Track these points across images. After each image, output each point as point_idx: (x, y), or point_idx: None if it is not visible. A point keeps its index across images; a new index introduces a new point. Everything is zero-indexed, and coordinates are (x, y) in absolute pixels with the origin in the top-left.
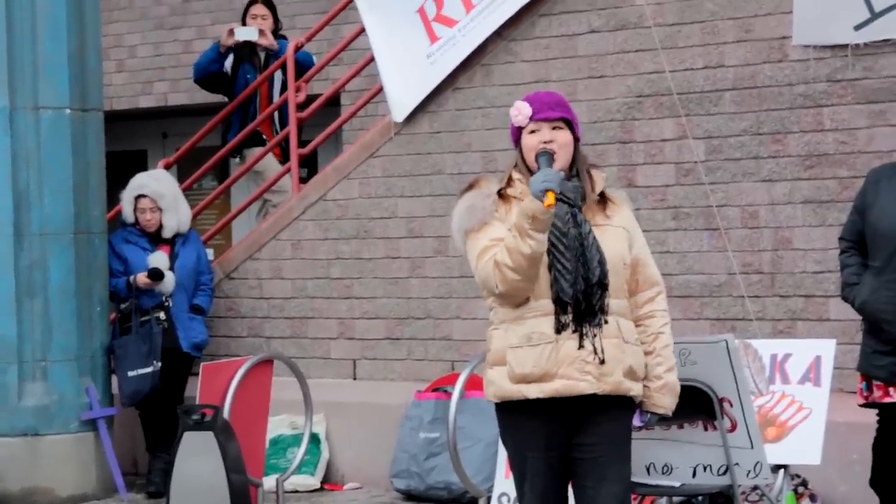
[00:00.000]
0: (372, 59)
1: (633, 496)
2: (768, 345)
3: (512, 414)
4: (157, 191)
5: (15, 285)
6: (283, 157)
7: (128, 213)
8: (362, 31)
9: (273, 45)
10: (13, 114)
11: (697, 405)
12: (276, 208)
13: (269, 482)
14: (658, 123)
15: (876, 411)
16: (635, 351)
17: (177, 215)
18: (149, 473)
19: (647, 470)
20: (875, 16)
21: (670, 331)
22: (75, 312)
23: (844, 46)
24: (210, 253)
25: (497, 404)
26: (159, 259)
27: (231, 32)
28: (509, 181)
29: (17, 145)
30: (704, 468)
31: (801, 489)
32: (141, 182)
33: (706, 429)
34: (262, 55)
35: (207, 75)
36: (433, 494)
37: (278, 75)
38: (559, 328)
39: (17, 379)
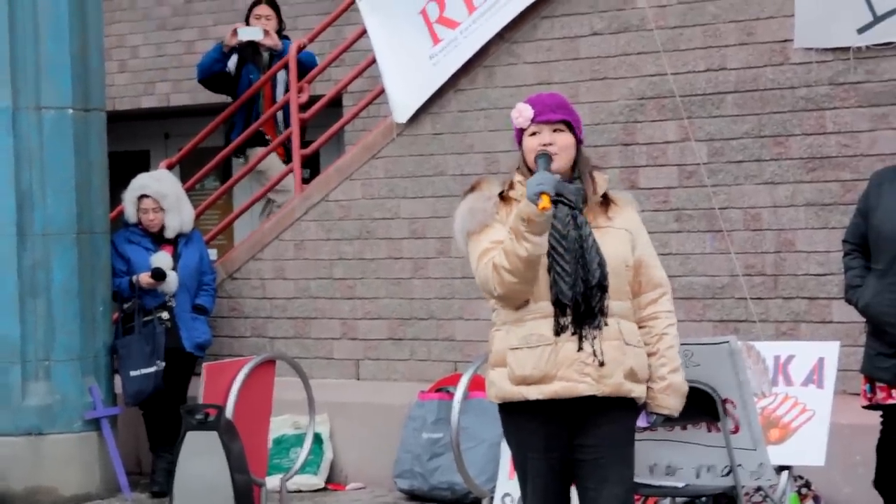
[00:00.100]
0: (374, 61)
1: (636, 497)
2: (771, 347)
3: (513, 415)
4: (160, 191)
5: (18, 285)
6: (287, 157)
7: (130, 214)
8: (364, 32)
9: (277, 45)
10: (16, 114)
11: (700, 406)
12: (279, 208)
13: (272, 482)
14: (660, 126)
15: (879, 413)
16: (637, 353)
17: (179, 215)
18: (152, 473)
19: (651, 471)
20: (877, 19)
21: (676, 332)
22: (78, 312)
23: (847, 49)
24: (212, 253)
25: (499, 405)
26: (162, 259)
27: (235, 32)
28: (512, 183)
29: (19, 145)
30: (708, 469)
31: (804, 490)
32: (143, 182)
33: (709, 430)
34: (266, 55)
35: (211, 75)
36: (436, 495)
37: (282, 75)
38: (558, 330)
39: (21, 378)
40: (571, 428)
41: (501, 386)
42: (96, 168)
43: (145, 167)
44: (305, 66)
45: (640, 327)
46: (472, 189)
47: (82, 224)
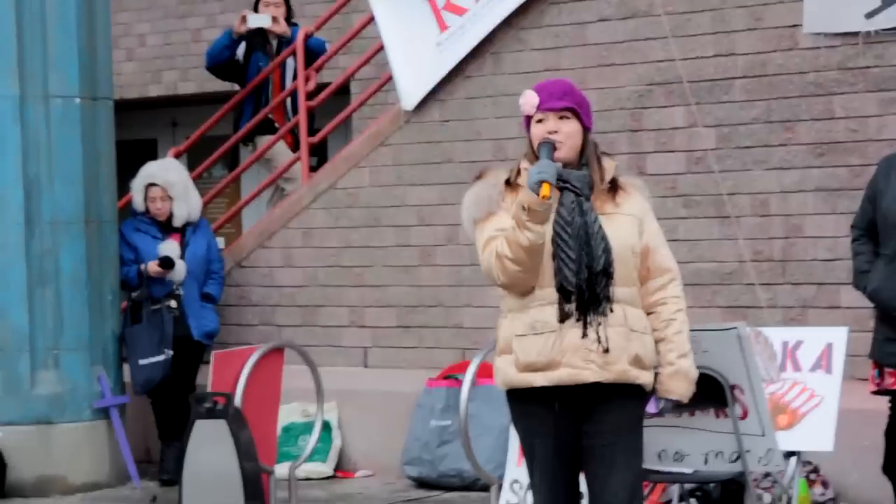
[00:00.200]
0: (381, 48)
1: (644, 483)
2: (780, 332)
3: (520, 402)
4: (168, 180)
5: (27, 274)
6: (295, 145)
7: (138, 202)
8: (371, 19)
9: (286, 32)
10: (23, 103)
11: (709, 392)
12: (287, 196)
13: (281, 470)
14: (668, 112)
15: (888, 398)
16: (643, 339)
17: (187, 204)
18: (161, 461)
19: (659, 457)
20: (886, 4)
21: (685, 317)
22: (87, 301)
23: (855, 34)
24: (220, 241)
25: (507, 392)
26: (170, 248)
27: (244, 19)
28: (519, 171)
29: (27, 134)
30: (716, 455)
31: (812, 476)
32: (151, 171)
33: (718, 416)
34: (275, 42)
35: (220, 63)
36: (445, 482)
37: (290, 62)
38: (563, 317)
39: (30, 367)
40: (578, 414)
41: (507, 373)
42: (104, 157)
43: (153, 156)
44: (315, 52)
45: (648, 313)
46: (480, 177)
47: (90, 213)
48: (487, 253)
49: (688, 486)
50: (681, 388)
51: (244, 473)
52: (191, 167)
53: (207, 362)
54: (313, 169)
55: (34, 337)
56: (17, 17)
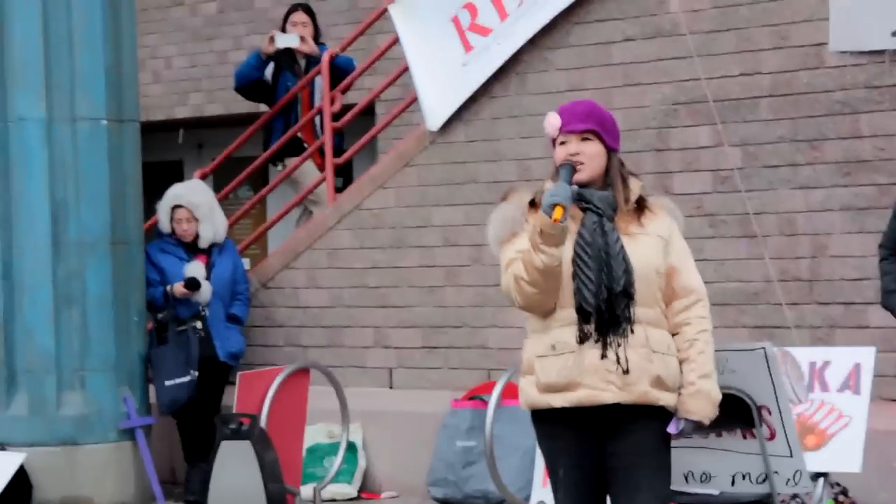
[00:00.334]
0: (406, 69)
1: None
2: (807, 353)
3: (544, 423)
4: (193, 201)
5: (53, 295)
6: (324, 165)
7: (164, 224)
8: (396, 40)
9: (314, 51)
10: (51, 125)
11: (736, 413)
12: (312, 217)
13: (306, 491)
14: (694, 131)
15: None
16: (666, 360)
17: (213, 225)
18: (187, 482)
19: (686, 478)
20: None
21: (709, 338)
22: (113, 322)
23: (882, 52)
24: (246, 262)
25: (531, 413)
26: (196, 269)
27: (272, 39)
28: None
29: (54, 156)
30: (743, 476)
31: (841, 497)
32: (177, 192)
33: (745, 437)
34: (303, 62)
35: (248, 83)
36: (471, 503)
37: (319, 81)
38: (582, 338)
39: (56, 388)
40: (602, 436)
41: (529, 393)
42: (130, 179)
43: (179, 177)
44: (343, 70)
45: (673, 334)
46: (505, 198)
47: (116, 234)
48: (508, 275)
49: None
50: (701, 408)
51: (269, 494)
52: (217, 188)
53: (233, 383)
54: (339, 190)
55: (60, 358)
56: (45, 39)
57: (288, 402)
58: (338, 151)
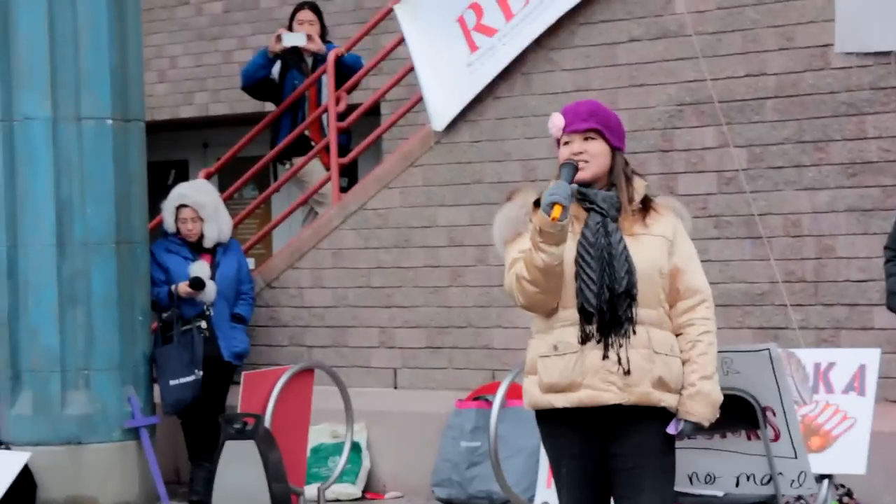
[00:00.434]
0: (412, 69)
1: None
2: (812, 354)
3: (548, 423)
4: (198, 201)
5: (58, 295)
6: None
7: (169, 223)
8: (402, 40)
9: (321, 50)
10: (56, 125)
11: (740, 414)
12: (318, 217)
13: (310, 491)
14: (699, 132)
15: None
16: (668, 361)
17: (218, 225)
18: (191, 482)
19: (690, 479)
20: None
21: (713, 339)
22: (117, 322)
23: (887, 54)
24: (251, 262)
25: (535, 413)
26: (200, 268)
27: (279, 38)
28: None
29: (59, 156)
30: (748, 478)
31: (845, 499)
32: (182, 192)
33: (749, 438)
34: (310, 60)
35: (255, 82)
36: (475, 503)
37: (326, 79)
38: (584, 338)
39: (60, 388)
40: (605, 436)
41: (532, 393)
42: (135, 178)
43: (184, 177)
44: (350, 68)
45: (677, 335)
46: (510, 198)
47: (121, 234)
48: (510, 274)
49: None
50: (701, 410)
51: (273, 494)
52: (222, 188)
53: (237, 383)
54: (344, 190)
55: (65, 357)
56: (50, 39)
57: (292, 402)
58: (344, 150)
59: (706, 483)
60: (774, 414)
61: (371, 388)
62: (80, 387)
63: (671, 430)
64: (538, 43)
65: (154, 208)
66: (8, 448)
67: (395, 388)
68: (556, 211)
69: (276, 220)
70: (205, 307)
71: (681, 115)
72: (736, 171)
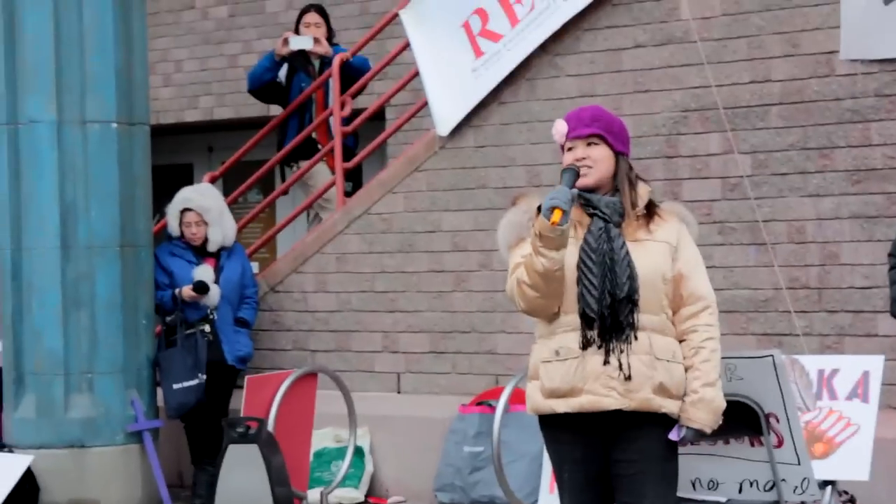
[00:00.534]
0: (417, 74)
1: None
2: (815, 360)
3: (551, 428)
4: (203, 205)
5: (62, 298)
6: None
7: (173, 227)
8: (407, 45)
9: (328, 53)
10: (61, 128)
11: (744, 420)
12: (322, 221)
13: (313, 495)
14: (704, 138)
15: None
16: (670, 368)
17: (222, 229)
18: (194, 486)
19: (693, 485)
20: None
21: (716, 346)
22: (121, 325)
23: (893, 61)
24: (255, 266)
25: (539, 418)
26: (204, 272)
27: (286, 41)
28: None
29: (64, 159)
30: (751, 484)
31: None
32: (186, 196)
33: (752, 444)
34: (317, 63)
35: (261, 85)
36: None
37: (338, 71)
38: (585, 343)
39: (64, 391)
40: (607, 441)
41: (535, 398)
42: (140, 181)
43: (189, 181)
44: (358, 71)
45: (680, 341)
46: (514, 203)
47: (126, 237)
48: (512, 279)
49: None
50: (703, 417)
51: (276, 498)
52: (226, 192)
53: (241, 387)
54: (348, 194)
55: (68, 360)
56: (55, 42)
57: (295, 406)
58: (351, 153)
59: (709, 489)
60: (778, 420)
61: (374, 393)
62: (84, 390)
63: (673, 436)
64: (543, 48)
65: (159, 212)
66: (11, 451)
67: (399, 392)
68: (556, 215)
69: (281, 224)
70: (209, 311)
71: (685, 121)
72: (740, 177)
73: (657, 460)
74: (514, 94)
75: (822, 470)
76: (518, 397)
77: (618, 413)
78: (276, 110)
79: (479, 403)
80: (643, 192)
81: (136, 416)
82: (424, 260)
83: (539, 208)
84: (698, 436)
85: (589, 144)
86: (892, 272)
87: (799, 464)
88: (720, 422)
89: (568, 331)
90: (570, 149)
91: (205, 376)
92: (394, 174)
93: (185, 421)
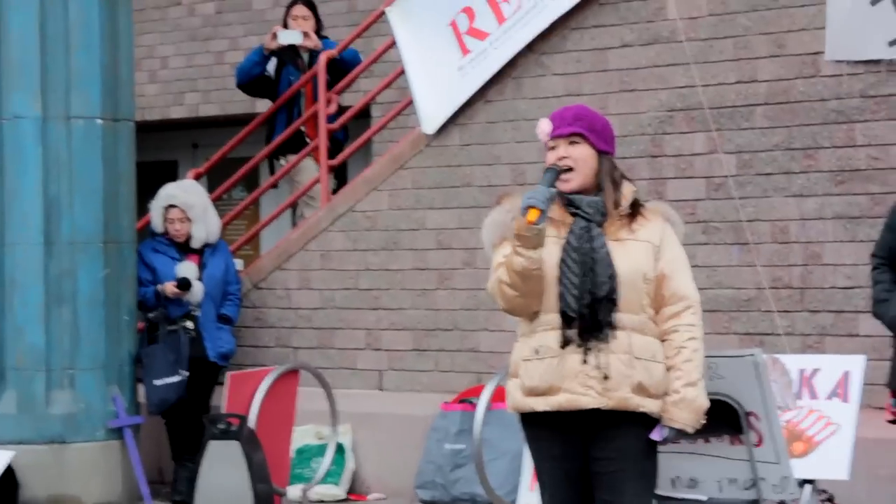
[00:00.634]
0: (403, 72)
1: None
2: (797, 360)
3: (531, 426)
4: (187, 201)
5: (44, 293)
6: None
7: (157, 223)
8: (393, 43)
9: (318, 46)
10: (45, 123)
11: (724, 419)
12: (306, 218)
13: (293, 492)
14: (689, 138)
15: None
16: (650, 367)
17: (206, 226)
18: (174, 482)
19: (673, 483)
20: None
21: (699, 346)
22: (104, 321)
23: (878, 62)
24: (239, 263)
25: (520, 415)
26: (188, 269)
27: (274, 36)
28: None
29: (48, 155)
30: (730, 482)
31: None
32: (170, 192)
33: (732, 443)
34: (306, 56)
35: (250, 79)
36: None
37: (324, 69)
38: (564, 342)
39: (45, 387)
40: (586, 439)
41: (515, 396)
42: (124, 178)
43: (173, 177)
44: (348, 64)
45: (663, 341)
46: (499, 202)
47: (109, 233)
48: (494, 278)
49: None
50: (684, 417)
51: (257, 495)
52: (211, 189)
53: (223, 383)
54: (333, 191)
55: (50, 356)
56: (41, 38)
57: (277, 402)
58: (340, 146)
59: (689, 487)
60: (758, 419)
61: (357, 390)
62: (65, 386)
63: (655, 436)
64: (529, 47)
65: (144, 208)
66: None
67: (381, 390)
68: (532, 215)
69: (265, 221)
70: (191, 307)
71: (671, 120)
72: (725, 177)
73: (636, 458)
74: (500, 93)
75: (801, 469)
76: (500, 395)
77: (596, 412)
78: (261, 107)
79: (461, 401)
80: (627, 192)
81: (118, 412)
82: (409, 258)
83: None
84: (680, 435)
85: (571, 143)
86: (874, 272)
87: (778, 463)
88: (703, 421)
89: (548, 329)
90: (552, 147)
91: (187, 373)
92: (379, 172)
93: (166, 417)
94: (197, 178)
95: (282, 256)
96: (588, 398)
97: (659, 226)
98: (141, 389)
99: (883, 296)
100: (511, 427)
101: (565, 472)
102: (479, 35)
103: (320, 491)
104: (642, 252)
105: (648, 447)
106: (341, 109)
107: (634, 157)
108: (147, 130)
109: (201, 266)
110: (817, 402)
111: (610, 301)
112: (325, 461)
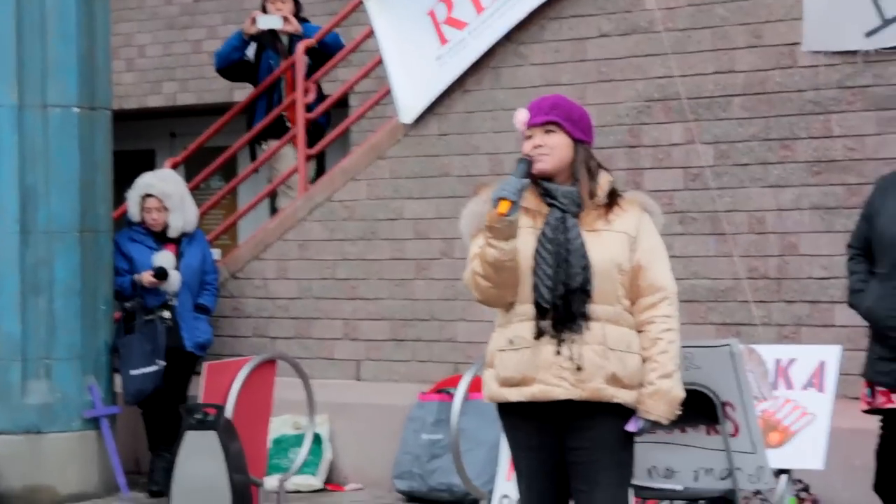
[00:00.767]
0: (381, 61)
1: (635, 500)
2: (773, 350)
3: (508, 415)
4: (164, 191)
5: (20, 283)
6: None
7: (134, 213)
8: (371, 33)
9: (298, 30)
10: (21, 112)
11: (700, 409)
12: (283, 208)
13: (270, 482)
14: (666, 128)
15: (879, 417)
16: (623, 358)
17: (183, 215)
18: (151, 472)
19: (649, 473)
20: (886, 23)
21: (675, 337)
22: (80, 311)
23: (855, 53)
24: (216, 253)
25: (497, 405)
26: (165, 258)
27: (253, 20)
28: None
29: (24, 143)
30: (706, 472)
31: (803, 494)
32: (148, 181)
33: (708, 433)
34: (286, 39)
35: (229, 64)
36: (435, 496)
37: (303, 59)
38: (538, 333)
39: (21, 376)
40: (561, 430)
41: (490, 387)
42: (101, 167)
43: (151, 166)
44: (331, 49)
45: (639, 332)
46: (477, 193)
47: (85, 222)
48: (469, 269)
49: (678, 502)
50: (659, 408)
51: (233, 485)
52: (188, 178)
53: (199, 373)
54: (313, 180)
55: (26, 346)
56: (17, 26)
57: (254, 392)
58: (322, 131)
59: (665, 477)
60: (734, 409)
61: (334, 380)
62: (41, 376)
63: (630, 427)
64: (508, 37)
65: (121, 197)
66: None
67: (359, 380)
68: (503, 206)
69: (242, 211)
70: (168, 297)
71: (648, 111)
72: (702, 167)
73: (611, 449)
74: (478, 83)
75: (777, 458)
76: (477, 385)
77: (570, 403)
78: (239, 96)
79: (438, 391)
80: (604, 182)
81: (94, 402)
82: (386, 248)
83: None
84: (656, 426)
85: (547, 132)
86: (850, 263)
87: (754, 452)
88: (678, 413)
89: (523, 320)
90: (529, 136)
91: (163, 363)
92: (356, 162)
93: (143, 407)
94: (174, 167)
95: (259, 246)
96: (561, 389)
97: (636, 216)
98: (117, 379)
99: (858, 286)
100: (488, 417)
101: (542, 462)
102: (458, 25)
103: (297, 481)
104: (618, 243)
105: (624, 437)
106: (323, 95)
107: (612, 148)
108: (124, 119)
109: (178, 256)
110: (793, 392)
111: (584, 292)
112: (303, 451)
